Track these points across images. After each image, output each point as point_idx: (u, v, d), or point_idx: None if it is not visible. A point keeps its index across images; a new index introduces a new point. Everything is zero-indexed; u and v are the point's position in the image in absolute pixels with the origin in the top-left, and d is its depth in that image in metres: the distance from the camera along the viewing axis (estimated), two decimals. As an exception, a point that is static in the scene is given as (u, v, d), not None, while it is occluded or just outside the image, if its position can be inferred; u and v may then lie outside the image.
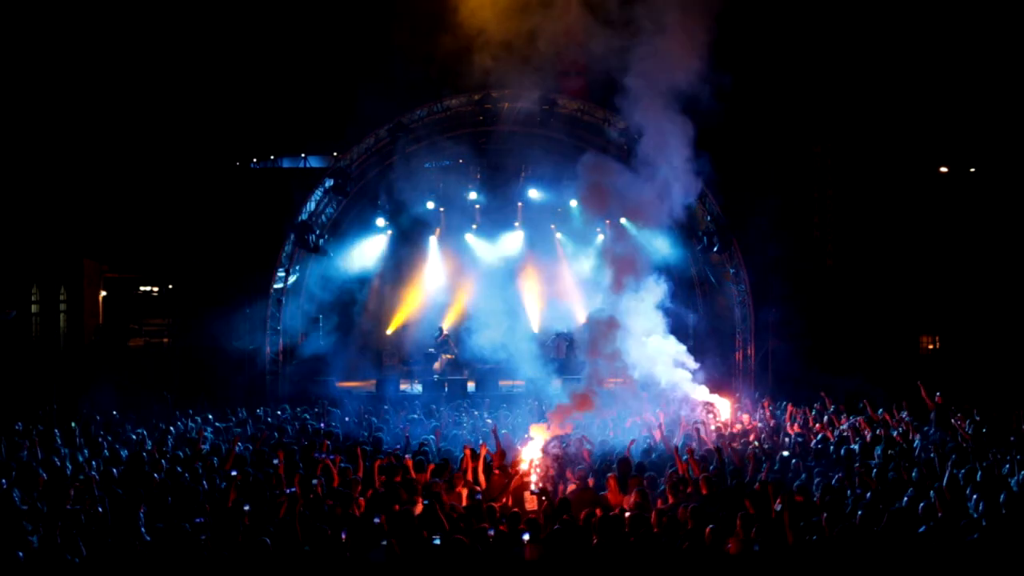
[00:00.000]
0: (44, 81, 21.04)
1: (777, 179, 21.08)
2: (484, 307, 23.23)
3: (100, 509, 8.68)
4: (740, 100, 17.58)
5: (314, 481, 9.74)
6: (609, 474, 10.31)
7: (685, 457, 10.60)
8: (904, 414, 14.01)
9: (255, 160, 24.87)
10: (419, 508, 8.99)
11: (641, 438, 12.75)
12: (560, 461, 10.87)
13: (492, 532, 8.15)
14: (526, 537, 7.89)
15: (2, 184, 21.13)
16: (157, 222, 21.95)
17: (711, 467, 10.55)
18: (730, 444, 12.17)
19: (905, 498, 9.07)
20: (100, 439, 12.73)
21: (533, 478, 10.65)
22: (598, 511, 8.95)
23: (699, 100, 16.08)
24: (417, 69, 18.35)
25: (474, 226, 24.53)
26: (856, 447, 11.96)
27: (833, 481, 9.90)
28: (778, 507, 8.44)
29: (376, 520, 8.28)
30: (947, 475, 9.74)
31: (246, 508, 8.73)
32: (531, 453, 11.87)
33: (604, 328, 15.46)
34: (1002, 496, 8.71)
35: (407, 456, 11.29)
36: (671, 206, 16.54)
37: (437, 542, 7.55)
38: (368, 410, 16.77)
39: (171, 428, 13.81)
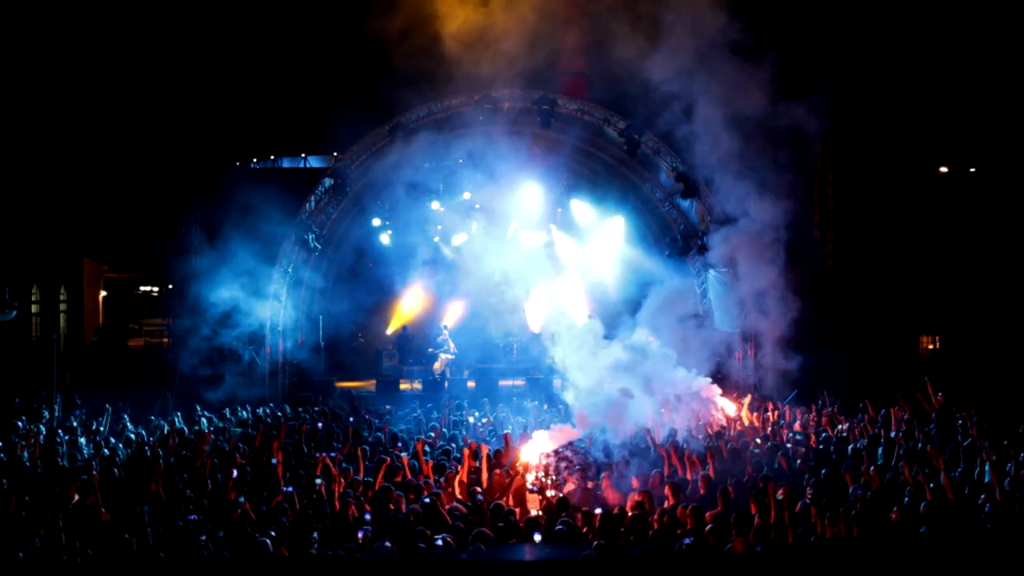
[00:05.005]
0: (45, 82, 21.04)
1: (777, 179, 21.05)
2: (484, 307, 23.21)
3: (101, 509, 8.68)
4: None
5: (318, 481, 9.75)
6: (604, 473, 10.32)
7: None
8: (904, 414, 13.99)
9: (255, 160, 24.86)
10: (419, 508, 8.99)
11: (639, 438, 12.74)
12: (570, 464, 10.91)
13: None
14: (537, 537, 7.88)
15: (2, 184, 21.13)
16: (157, 222, 21.93)
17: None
18: (729, 444, 12.17)
19: (906, 498, 9.07)
20: (101, 439, 12.73)
21: (531, 477, 10.65)
22: (597, 510, 8.95)
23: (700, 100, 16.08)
24: (418, 69, 18.34)
25: (474, 226, 24.51)
26: (856, 447, 11.95)
27: (833, 481, 9.90)
28: (778, 507, 8.44)
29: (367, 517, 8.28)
30: (948, 475, 9.74)
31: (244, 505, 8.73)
32: (532, 453, 11.86)
33: None
34: (1002, 496, 8.71)
35: (406, 455, 11.28)
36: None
37: (439, 542, 7.54)
38: (368, 410, 16.78)
39: (171, 428, 13.80)
